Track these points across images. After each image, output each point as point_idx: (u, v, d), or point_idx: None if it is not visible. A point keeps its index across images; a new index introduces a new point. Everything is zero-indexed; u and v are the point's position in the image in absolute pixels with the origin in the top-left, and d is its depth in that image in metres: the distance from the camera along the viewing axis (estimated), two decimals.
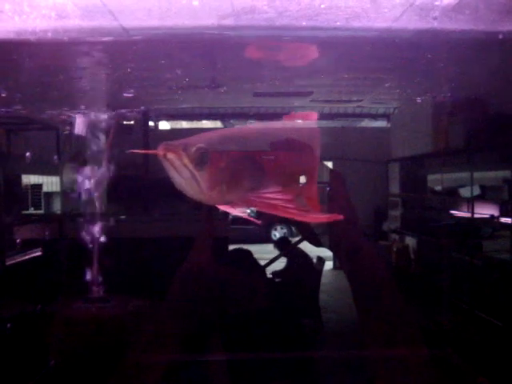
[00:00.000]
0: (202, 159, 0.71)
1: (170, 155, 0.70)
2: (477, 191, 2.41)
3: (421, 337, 0.80)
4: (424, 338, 0.80)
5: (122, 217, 1.92)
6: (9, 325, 1.29)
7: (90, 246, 1.37)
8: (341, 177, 0.79)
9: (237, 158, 0.73)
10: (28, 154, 1.63)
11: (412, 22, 0.99)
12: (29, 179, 2.35)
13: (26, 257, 1.71)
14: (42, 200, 2.48)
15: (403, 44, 1.14)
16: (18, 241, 1.72)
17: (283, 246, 1.50)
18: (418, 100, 2.20)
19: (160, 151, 0.72)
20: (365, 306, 0.83)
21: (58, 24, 0.87)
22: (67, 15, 0.87)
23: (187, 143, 0.70)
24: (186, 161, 0.70)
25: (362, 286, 0.83)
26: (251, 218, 0.80)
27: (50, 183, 2.24)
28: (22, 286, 1.46)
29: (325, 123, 2.53)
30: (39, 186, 2.44)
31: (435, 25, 0.97)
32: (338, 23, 0.99)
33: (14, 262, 1.67)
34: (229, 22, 0.92)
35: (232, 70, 1.43)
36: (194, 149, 0.70)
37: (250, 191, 0.73)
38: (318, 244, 0.98)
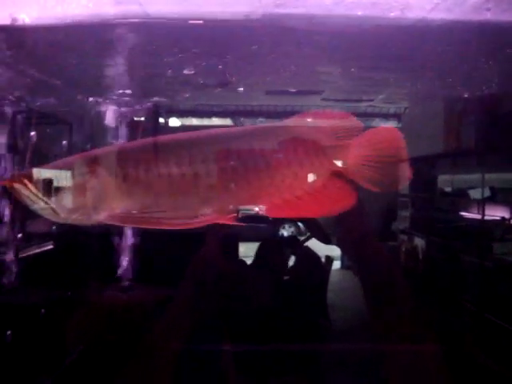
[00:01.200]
0: (48, 188, 0.71)
1: (17, 186, 0.71)
2: (487, 193, 2.39)
3: (432, 330, 0.80)
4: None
5: None
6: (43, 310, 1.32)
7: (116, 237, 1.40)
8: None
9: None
10: (64, 142, 1.64)
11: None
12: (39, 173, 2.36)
13: (39, 250, 1.73)
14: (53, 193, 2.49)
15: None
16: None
17: (291, 244, 1.49)
18: (429, 100, 2.19)
19: (6, 182, 0.73)
20: (375, 300, 0.83)
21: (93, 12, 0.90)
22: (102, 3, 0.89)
23: (30, 173, 0.71)
24: (33, 190, 0.71)
25: (371, 279, 0.84)
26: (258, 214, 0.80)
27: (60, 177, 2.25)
28: (41, 276, 1.47)
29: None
30: (50, 180, 2.46)
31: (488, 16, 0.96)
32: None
33: (28, 254, 1.70)
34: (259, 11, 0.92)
35: (244, 66, 1.42)
36: (39, 179, 0.70)
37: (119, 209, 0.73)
38: (327, 241, 0.98)
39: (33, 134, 1.64)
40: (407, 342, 0.77)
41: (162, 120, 2.40)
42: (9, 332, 1.29)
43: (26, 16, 0.93)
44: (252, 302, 1.01)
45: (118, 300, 1.20)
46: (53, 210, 0.70)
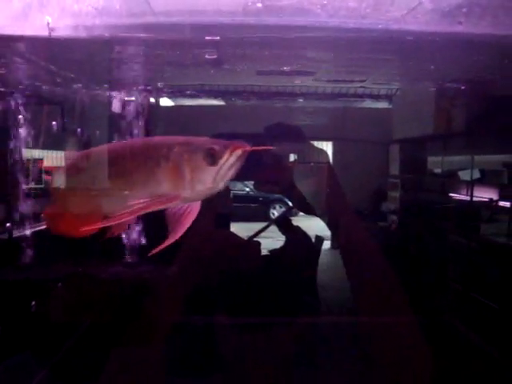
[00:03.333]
0: None
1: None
2: (476, 175, 2.42)
3: (408, 305, 0.82)
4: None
5: None
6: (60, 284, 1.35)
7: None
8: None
9: None
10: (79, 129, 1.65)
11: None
12: (31, 153, 2.34)
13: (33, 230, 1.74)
14: (43, 174, 2.48)
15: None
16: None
17: (281, 224, 1.50)
18: (421, 82, 2.19)
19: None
20: (353, 272, 0.85)
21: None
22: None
23: None
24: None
25: (349, 252, 0.86)
26: None
27: (51, 158, 2.24)
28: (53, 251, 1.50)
29: (326, 103, 2.52)
30: (40, 161, 2.44)
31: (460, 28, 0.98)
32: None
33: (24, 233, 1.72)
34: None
35: (235, 48, 1.42)
36: None
37: None
38: (308, 211, 1.00)
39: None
40: (385, 316, 0.79)
41: (152, 100, 2.39)
42: (33, 302, 1.32)
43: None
44: (242, 279, 1.03)
45: (123, 276, 1.22)
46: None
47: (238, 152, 0.75)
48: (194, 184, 0.77)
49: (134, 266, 1.35)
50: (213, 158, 0.76)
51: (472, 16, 0.97)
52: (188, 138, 0.80)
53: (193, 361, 0.96)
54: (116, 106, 1.53)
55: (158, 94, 2.38)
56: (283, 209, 3.17)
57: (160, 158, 0.78)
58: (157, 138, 0.82)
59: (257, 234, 1.18)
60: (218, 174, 0.76)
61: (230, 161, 0.76)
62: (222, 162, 0.76)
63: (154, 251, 0.77)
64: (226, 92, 2.36)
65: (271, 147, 0.86)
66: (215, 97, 2.47)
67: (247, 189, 3.14)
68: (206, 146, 0.76)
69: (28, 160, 2.37)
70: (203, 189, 0.77)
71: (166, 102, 2.54)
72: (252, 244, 1.05)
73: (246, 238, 1.11)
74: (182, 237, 0.96)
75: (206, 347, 0.97)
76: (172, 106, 2.49)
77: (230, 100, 2.46)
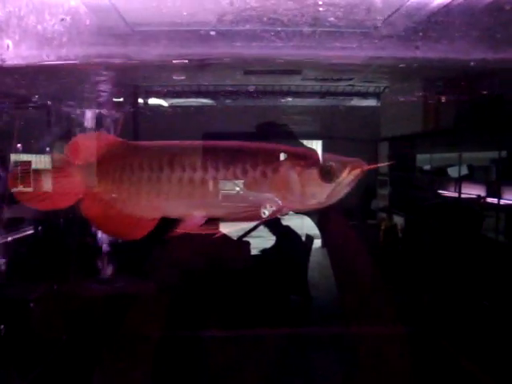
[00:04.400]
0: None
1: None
2: (465, 171, 2.43)
3: (394, 312, 0.83)
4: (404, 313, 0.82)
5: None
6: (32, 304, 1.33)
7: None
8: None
9: None
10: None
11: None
12: (19, 156, 2.32)
13: (19, 235, 1.71)
14: (32, 178, 2.45)
15: None
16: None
17: (271, 223, 1.51)
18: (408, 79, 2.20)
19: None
20: (339, 273, 0.85)
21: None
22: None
23: None
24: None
25: (336, 252, 0.86)
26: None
27: (40, 161, 2.22)
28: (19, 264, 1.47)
29: (314, 102, 2.52)
30: (29, 164, 2.41)
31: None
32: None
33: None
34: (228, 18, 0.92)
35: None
36: None
37: None
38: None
39: None
40: (369, 319, 0.79)
41: (141, 100, 2.37)
42: (2, 326, 1.30)
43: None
44: (232, 280, 1.03)
45: (99, 292, 1.21)
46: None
47: (357, 172, 0.73)
48: (306, 198, 0.74)
49: (109, 282, 1.34)
50: (329, 175, 0.73)
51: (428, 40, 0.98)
52: (297, 149, 0.77)
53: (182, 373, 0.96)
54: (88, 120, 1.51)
55: (148, 95, 2.37)
56: (274, 208, 3.16)
57: (267, 168, 0.75)
58: (258, 145, 0.79)
59: (246, 233, 1.18)
60: (332, 191, 0.74)
61: (347, 180, 0.73)
62: (338, 180, 0.73)
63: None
64: (214, 92, 2.36)
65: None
66: (204, 96, 2.46)
67: (237, 188, 3.12)
68: (323, 163, 0.74)
69: (16, 163, 2.34)
70: (315, 203, 0.75)
71: (155, 101, 2.53)
72: (242, 244, 1.05)
73: (236, 238, 1.11)
74: (170, 239, 0.95)
75: (194, 357, 0.97)
76: (162, 106, 2.48)
77: (219, 99, 2.45)
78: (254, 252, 1.18)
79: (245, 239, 1.13)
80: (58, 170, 0.83)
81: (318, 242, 1.85)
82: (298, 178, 0.75)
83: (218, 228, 0.76)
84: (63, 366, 1.10)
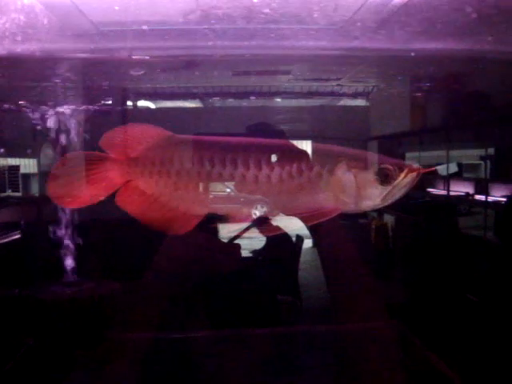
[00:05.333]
0: None
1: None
2: (454, 169, 2.44)
3: (384, 309, 0.83)
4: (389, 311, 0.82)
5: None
6: None
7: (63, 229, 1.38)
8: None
9: None
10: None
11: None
12: (6, 161, 2.31)
13: (5, 240, 1.71)
14: (20, 182, 2.44)
15: None
16: None
17: (261, 224, 1.50)
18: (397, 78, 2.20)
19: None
20: (330, 273, 0.85)
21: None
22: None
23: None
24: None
25: (326, 252, 0.86)
26: None
27: (28, 165, 2.21)
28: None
29: (304, 102, 2.53)
30: (17, 168, 2.40)
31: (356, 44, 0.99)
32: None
33: None
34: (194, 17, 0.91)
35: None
36: None
37: None
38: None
39: None
40: (360, 319, 0.80)
41: (130, 103, 2.37)
42: None
43: None
44: (223, 281, 1.03)
45: (63, 295, 1.21)
46: None
47: (413, 175, 0.73)
48: (361, 200, 0.74)
49: (75, 285, 1.33)
50: (386, 178, 0.73)
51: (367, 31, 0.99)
52: (351, 150, 0.77)
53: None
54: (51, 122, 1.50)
55: (137, 97, 2.37)
56: (264, 209, 3.17)
57: (322, 169, 0.74)
58: (315, 146, 0.78)
59: (237, 236, 1.18)
60: (388, 194, 0.74)
61: (403, 182, 0.73)
62: (395, 183, 0.73)
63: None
64: (203, 93, 2.36)
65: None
66: (192, 98, 2.46)
67: (228, 189, 3.12)
68: (379, 165, 0.73)
69: (3, 166, 2.33)
70: (370, 205, 0.75)
71: (144, 103, 2.52)
72: (232, 247, 1.04)
73: (227, 240, 1.11)
74: (159, 241, 0.95)
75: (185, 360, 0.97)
76: (151, 109, 2.48)
77: (208, 101, 2.45)
78: (244, 253, 1.18)
79: (235, 242, 1.13)
80: (91, 165, 0.81)
81: (308, 242, 1.85)
82: (355, 180, 0.74)
83: (276, 229, 0.76)
84: (29, 369, 1.10)
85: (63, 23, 0.95)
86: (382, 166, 0.75)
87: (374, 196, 0.75)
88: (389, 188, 0.74)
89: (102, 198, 0.79)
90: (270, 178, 0.75)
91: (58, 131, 1.48)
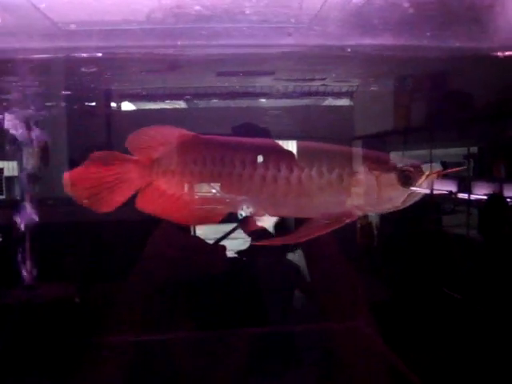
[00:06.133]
0: None
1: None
2: (437, 168, 2.46)
3: (368, 310, 0.83)
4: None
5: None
6: None
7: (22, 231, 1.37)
8: None
9: None
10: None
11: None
12: None
13: None
14: (4, 185, 2.40)
15: None
16: None
17: (246, 224, 1.50)
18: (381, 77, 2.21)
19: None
20: (313, 271, 0.86)
21: None
22: None
23: None
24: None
25: (310, 252, 0.87)
26: None
27: (11, 168, 2.18)
28: None
29: (289, 102, 2.52)
30: (0, 171, 2.37)
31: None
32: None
33: None
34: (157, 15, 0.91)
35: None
36: None
37: None
38: None
39: None
40: (345, 318, 0.80)
41: (114, 105, 2.35)
42: None
43: None
44: (208, 282, 1.02)
45: (20, 299, 1.20)
46: None
47: (433, 177, 0.73)
48: (382, 203, 0.74)
49: (31, 289, 1.33)
50: (408, 180, 0.73)
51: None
52: (374, 152, 0.77)
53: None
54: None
55: (121, 98, 2.35)
56: (250, 209, 3.16)
57: (343, 171, 0.74)
58: (334, 147, 0.78)
59: (223, 237, 1.18)
60: (409, 196, 0.74)
61: (424, 185, 0.74)
62: (416, 184, 0.74)
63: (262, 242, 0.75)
64: (187, 94, 2.35)
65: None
66: (177, 99, 2.45)
67: (214, 190, 3.11)
68: (400, 168, 0.73)
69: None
70: (389, 207, 0.75)
71: (127, 106, 2.51)
72: (217, 249, 1.04)
73: (213, 241, 1.11)
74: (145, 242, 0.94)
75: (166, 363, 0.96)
76: (134, 111, 2.46)
77: (192, 102, 2.44)
78: (229, 253, 1.18)
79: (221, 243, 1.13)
80: (114, 167, 0.81)
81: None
82: (376, 182, 0.75)
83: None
84: None
85: (19, 23, 0.94)
86: (403, 168, 0.76)
87: (395, 198, 0.76)
88: (409, 191, 0.76)
89: (123, 201, 0.79)
90: (289, 180, 0.75)
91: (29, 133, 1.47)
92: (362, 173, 0.75)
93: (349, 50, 1.04)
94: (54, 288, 1.30)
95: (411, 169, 0.75)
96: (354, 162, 0.75)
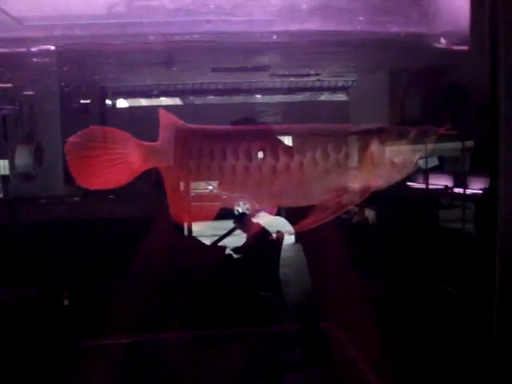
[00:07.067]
0: None
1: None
2: (434, 162, 2.45)
3: (368, 304, 0.83)
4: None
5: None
6: None
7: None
8: None
9: None
10: None
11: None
12: None
13: None
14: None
15: None
16: None
17: (241, 221, 1.50)
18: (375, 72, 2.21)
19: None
20: (313, 267, 0.86)
21: None
22: None
23: None
24: None
25: (310, 248, 0.86)
26: None
27: (4, 166, 2.17)
28: None
29: (284, 98, 2.52)
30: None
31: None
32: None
33: None
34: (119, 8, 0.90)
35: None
36: None
37: None
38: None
39: None
40: (344, 313, 0.80)
41: (109, 102, 2.34)
42: None
43: None
44: (205, 278, 1.02)
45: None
46: None
47: (435, 136, 0.73)
48: (396, 170, 0.74)
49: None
50: (415, 143, 0.73)
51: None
52: (371, 126, 0.76)
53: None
54: None
55: (114, 95, 2.34)
56: (247, 206, 3.16)
57: (352, 148, 0.73)
58: (333, 127, 0.77)
59: (221, 238, 1.17)
60: (418, 156, 0.74)
61: (429, 145, 0.74)
62: (422, 146, 0.74)
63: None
64: (182, 91, 2.34)
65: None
66: (172, 96, 2.44)
67: (210, 187, 3.11)
68: (407, 134, 0.73)
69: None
70: (402, 174, 0.75)
71: (122, 103, 2.50)
72: (216, 249, 1.04)
73: (210, 237, 1.11)
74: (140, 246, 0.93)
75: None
76: (128, 107, 2.46)
77: (187, 99, 2.44)
78: (226, 250, 1.18)
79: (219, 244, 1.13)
80: (113, 144, 0.79)
81: (289, 239, 1.85)
82: (389, 151, 0.75)
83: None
84: None
85: None
86: (408, 134, 0.76)
87: (408, 163, 0.76)
88: (419, 153, 0.76)
89: (125, 183, 0.77)
90: (302, 164, 0.74)
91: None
92: (373, 145, 0.74)
93: (274, 37, 1.02)
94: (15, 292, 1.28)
95: (414, 132, 0.75)
96: (360, 138, 0.74)
